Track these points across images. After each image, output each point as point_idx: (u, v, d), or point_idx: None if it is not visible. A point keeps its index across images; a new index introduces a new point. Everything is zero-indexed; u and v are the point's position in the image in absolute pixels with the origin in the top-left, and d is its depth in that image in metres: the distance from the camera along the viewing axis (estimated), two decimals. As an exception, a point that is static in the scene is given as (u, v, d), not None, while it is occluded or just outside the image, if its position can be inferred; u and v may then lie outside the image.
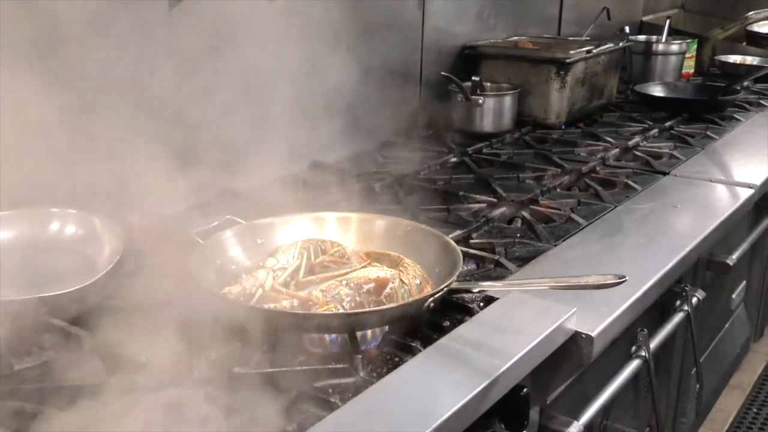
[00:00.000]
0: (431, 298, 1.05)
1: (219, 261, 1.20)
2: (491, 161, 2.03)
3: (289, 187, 1.75)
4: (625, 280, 1.08)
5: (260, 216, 1.34)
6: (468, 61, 2.36)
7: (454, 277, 1.10)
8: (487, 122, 2.21)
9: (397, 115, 2.20)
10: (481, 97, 2.18)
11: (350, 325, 1.01)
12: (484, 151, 2.11)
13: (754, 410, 2.61)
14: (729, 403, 2.58)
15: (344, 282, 1.13)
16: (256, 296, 1.12)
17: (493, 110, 2.21)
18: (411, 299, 1.10)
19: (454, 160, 2.03)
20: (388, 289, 1.12)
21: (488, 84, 2.26)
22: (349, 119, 2.01)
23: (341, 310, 1.07)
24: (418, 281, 1.15)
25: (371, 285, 1.13)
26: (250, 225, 1.28)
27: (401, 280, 1.14)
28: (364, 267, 1.15)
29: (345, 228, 1.32)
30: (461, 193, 1.74)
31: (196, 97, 1.60)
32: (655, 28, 3.27)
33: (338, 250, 1.24)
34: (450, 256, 1.18)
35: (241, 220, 1.30)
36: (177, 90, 1.54)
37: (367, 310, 1.07)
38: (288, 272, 1.18)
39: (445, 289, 1.08)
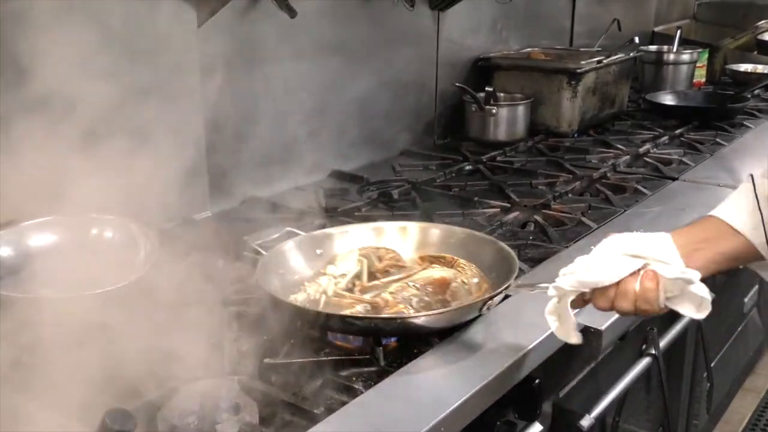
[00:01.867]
0: (490, 300, 1.12)
1: (282, 271, 1.26)
2: (505, 168, 2.10)
3: (310, 195, 1.84)
4: None
5: (286, 222, 1.42)
6: (482, 73, 2.43)
7: (511, 280, 1.16)
8: (500, 131, 2.28)
9: (413, 125, 2.28)
10: (495, 107, 2.25)
11: (420, 327, 1.08)
12: (498, 158, 2.17)
13: (768, 413, 2.64)
14: (743, 406, 2.61)
15: (411, 283, 1.19)
16: (321, 302, 1.18)
17: (507, 119, 2.28)
18: (472, 300, 1.15)
19: (469, 167, 2.09)
20: (451, 288, 1.18)
21: (501, 94, 2.33)
22: (368, 129, 2.09)
23: (412, 311, 1.13)
24: (476, 280, 1.21)
25: (435, 285, 1.19)
26: (309, 236, 1.35)
27: (462, 280, 1.20)
28: (424, 269, 1.22)
29: (402, 236, 1.38)
30: (476, 198, 1.81)
31: (222, 108, 1.68)
32: (667, 38, 3.33)
33: (393, 256, 1.30)
34: (505, 260, 1.23)
35: (300, 231, 1.36)
36: (205, 101, 1.63)
37: (437, 311, 1.13)
38: (348, 278, 1.24)
39: (503, 291, 1.14)
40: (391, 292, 1.17)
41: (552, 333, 1.14)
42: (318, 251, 1.34)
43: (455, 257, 1.28)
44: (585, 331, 1.21)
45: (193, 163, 1.63)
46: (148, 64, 1.50)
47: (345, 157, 2.04)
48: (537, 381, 1.16)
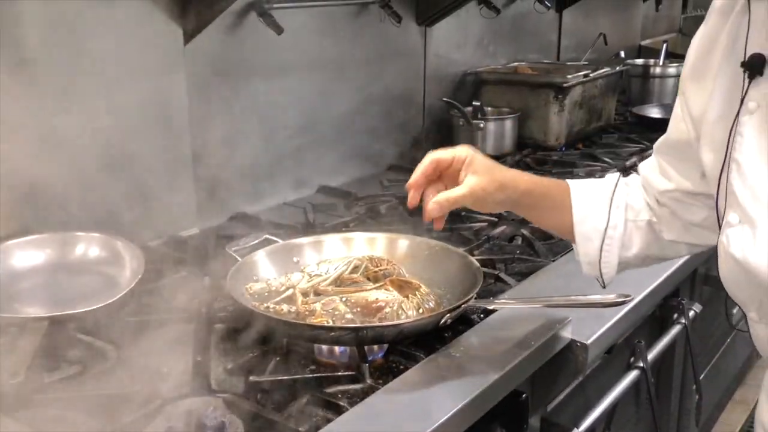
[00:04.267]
0: (448, 315, 1.12)
1: (255, 277, 1.27)
2: (493, 183, 2.10)
3: (299, 211, 1.84)
4: (631, 299, 1.15)
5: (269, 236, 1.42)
6: (469, 87, 2.45)
7: (473, 295, 1.16)
8: (488, 145, 2.29)
9: (401, 140, 2.28)
10: (482, 121, 2.26)
11: (361, 338, 1.08)
12: (486, 173, 2.18)
13: (759, 425, 2.64)
14: (733, 419, 2.61)
15: (344, 299, 1.19)
16: (282, 295, 1.21)
17: (494, 133, 2.30)
18: (429, 315, 1.15)
19: (457, 182, 2.09)
20: (382, 314, 1.17)
21: (489, 108, 2.35)
22: (356, 145, 2.10)
23: (329, 324, 1.13)
24: (431, 305, 1.20)
25: (365, 307, 1.18)
26: (285, 244, 1.36)
27: (401, 306, 1.18)
28: (375, 289, 1.22)
29: (372, 247, 1.39)
30: (463, 213, 1.81)
31: (210, 125, 1.68)
32: (653, 52, 3.36)
33: (385, 269, 1.30)
34: (472, 274, 1.24)
35: (278, 239, 1.37)
36: (192, 118, 1.63)
37: (386, 324, 1.13)
38: (319, 280, 1.26)
39: (463, 306, 1.14)
40: (322, 304, 1.18)
41: (537, 347, 1.15)
42: (294, 259, 1.36)
43: (421, 285, 1.25)
44: (571, 344, 1.22)
45: (180, 181, 1.63)
46: (136, 82, 1.50)
47: (333, 172, 2.04)
48: (524, 395, 1.16)
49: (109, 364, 1.08)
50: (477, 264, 1.27)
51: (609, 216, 1.10)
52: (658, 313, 1.72)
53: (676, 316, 1.73)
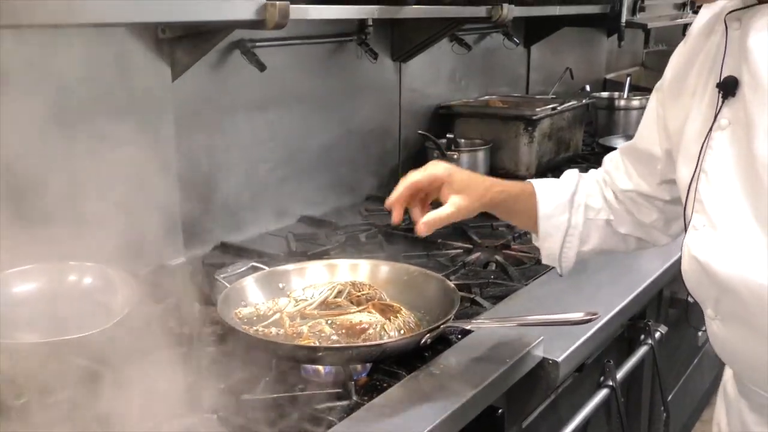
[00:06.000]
0: (428, 334, 1.19)
1: (243, 302, 1.34)
2: (467, 212, 2.19)
3: (281, 240, 1.90)
4: (598, 316, 1.25)
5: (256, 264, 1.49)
6: (443, 120, 2.54)
7: (451, 316, 1.24)
8: (462, 176, 2.37)
9: (378, 171, 2.37)
10: (456, 153, 2.35)
11: (347, 358, 1.15)
12: (461, 202, 2.26)
13: (726, 444, 2.72)
14: (701, 437, 2.70)
15: (329, 322, 1.26)
16: (270, 319, 1.28)
17: (468, 164, 2.38)
18: (411, 335, 1.22)
19: (432, 211, 2.18)
20: (366, 335, 1.24)
21: (462, 140, 2.44)
22: (335, 176, 2.18)
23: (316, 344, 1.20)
24: (402, 330, 1.26)
25: (349, 329, 1.25)
26: (270, 271, 1.43)
27: (384, 327, 1.26)
28: (358, 312, 1.29)
29: (355, 273, 1.46)
30: (439, 240, 1.89)
31: (195, 158, 1.75)
32: (618, 85, 3.50)
33: (367, 294, 1.37)
34: (449, 297, 1.32)
35: (265, 266, 1.44)
36: (178, 151, 1.70)
37: (369, 344, 1.19)
38: (305, 304, 1.33)
39: (442, 326, 1.22)
40: (309, 326, 1.25)
41: (512, 365, 1.22)
42: (280, 285, 1.43)
43: (402, 308, 1.32)
44: (543, 362, 1.30)
45: (167, 211, 1.69)
46: (126, 118, 1.57)
47: (313, 202, 2.11)
48: (500, 411, 1.23)
49: (107, 386, 1.13)
50: (454, 287, 1.34)
51: (570, 216, 1.24)
52: (626, 334, 1.80)
53: (642, 337, 1.81)
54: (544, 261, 1.29)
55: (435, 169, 1.19)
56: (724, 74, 0.98)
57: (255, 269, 1.43)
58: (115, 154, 1.56)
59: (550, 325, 1.25)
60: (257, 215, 1.96)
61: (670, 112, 1.13)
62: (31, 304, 1.31)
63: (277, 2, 1.44)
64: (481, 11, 2.12)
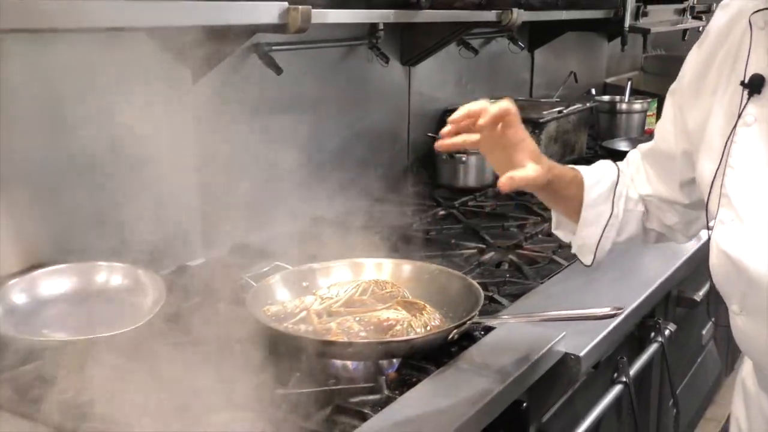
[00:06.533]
0: (455, 330, 1.22)
1: (270, 300, 1.37)
2: (477, 213, 2.22)
3: (295, 241, 1.93)
4: (623, 311, 1.28)
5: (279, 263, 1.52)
6: (450, 123, 2.57)
7: (476, 312, 1.27)
8: (470, 178, 2.41)
9: (388, 174, 2.40)
10: (464, 155, 2.38)
11: (377, 353, 1.17)
12: (470, 203, 2.30)
13: (729, 442, 2.76)
14: (705, 435, 2.74)
15: (357, 319, 1.29)
16: (298, 317, 1.30)
17: (476, 167, 2.42)
18: (438, 330, 1.26)
19: (442, 212, 2.21)
20: (393, 331, 1.27)
21: (470, 143, 2.47)
22: (346, 178, 2.20)
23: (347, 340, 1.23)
24: (436, 323, 1.29)
25: (377, 325, 1.29)
26: (295, 270, 1.46)
27: (410, 324, 1.29)
28: (385, 309, 1.32)
29: (377, 271, 1.49)
30: (453, 241, 1.92)
31: (214, 159, 1.77)
32: (618, 89, 3.54)
33: (391, 292, 1.40)
34: (472, 294, 1.35)
35: (288, 265, 1.47)
36: (197, 153, 1.73)
37: (399, 339, 1.22)
38: (331, 302, 1.36)
39: (468, 322, 1.25)
40: (337, 323, 1.28)
41: (536, 360, 1.25)
42: (304, 283, 1.46)
43: (426, 304, 1.35)
44: (565, 357, 1.33)
45: (188, 213, 1.72)
46: (150, 120, 1.59)
47: (326, 204, 2.14)
48: (524, 405, 1.26)
49: (144, 383, 1.16)
50: (476, 285, 1.37)
51: (612, 206, 1.24)
52: (636, 333, 1.84)
53: (653, 334, 1.85)
54: (575, 251, 1.30)
55: (508, 104, 1.15)
56: (749, 72, 1.01)
57: (279, 268, 1.46)
58: (139, 155, 1.58)
59: (576, 320, 1.28)
60: (271, 216, 1.98)
61: (690, 112, 1.16)
62: (60, 304, 1.33)
63: (300, 6, 1.47)
64: (491, 15, 2.15)
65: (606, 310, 1.22)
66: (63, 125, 1.47)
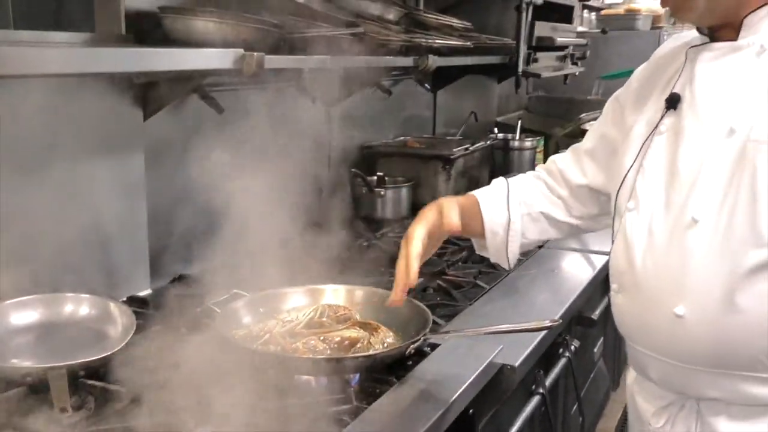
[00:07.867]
0: (412, 345, 1.37)
1: (236, 325, 1.47)
2: (398, 243, 2.37)
3: (234, 272, 2.02)
4: (560, 322, 1.48)
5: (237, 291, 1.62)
6: (366, 159, 2.74)
7: (428, 329, 1.43)
8: (387, 210, 2.58)
9: (312, 205, 2.51)
10: (383, 189, 2.55)
11: (345, 367, 1.30)
12: (389, 234, 2.46)
13: (616, 455, 3.03)
14: (598, 447, 2.99)
15: (322, 338, 1.42)
16: (263, 339, 1.41)
17: (392, 200, 2.59)
18: (399, 345, 1.40)
19: (365, 243, 2.36)
20: (355, 348, 1.41)
21: (386, 177, 2.64)
22: (278, 209, 2.30)
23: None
24: (390, 340, 1.44)
25: (340, 343, 1.42)
26: (253, 297, 1.56)
27: (370, 341, 1.43)
28: (345, 329, 1.45)
29: (335, 297, 1.62)
30: (382, 269, 2.06)
31: (160, 194, 1.85)
32: (508, 127, 3.81)
33: (344, 314, 1.53)
34: (420, 314, 1.50)
35: (245, 293, 1.58)
36: (146, 187, 1.80)
37: (364, 354, 1.36)
38: (292, 325, 1.47)
39: (422, 338, 1.40)
40: (302, 343, 1.41)
41: (481, 371, 1.42)
42: (261, 309, 1.57)
43: (380, 325, 1.50)
44: (503, 368, 1.50)
45: (137, 244, 1.78)
46: (103, 155, 1.66)
47: (259, 235, 2.23)
48: (471, 411, 1.42)
49: (124, 404, 1.23)
50: (423, 305, 1.53)
51: (509, 213, 1.46)
52: (548, 350, 2.04)
53: (561, 350, 2.06)
54: (493, 260, 1.51)
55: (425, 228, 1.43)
56: (673, 91, 1.25)
57: (238, 296, 1.55)
58: (89, 190, 1.65)
59: (519, 333, 1.45)
60: (209, 249, 2.06)
61: (629, 113, 1.37)
62: (28, 333, 1.38)
63: (255, 53, 1.59)
64: (409, 61, 2.34)
65: (546, 322, 1.41)
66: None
